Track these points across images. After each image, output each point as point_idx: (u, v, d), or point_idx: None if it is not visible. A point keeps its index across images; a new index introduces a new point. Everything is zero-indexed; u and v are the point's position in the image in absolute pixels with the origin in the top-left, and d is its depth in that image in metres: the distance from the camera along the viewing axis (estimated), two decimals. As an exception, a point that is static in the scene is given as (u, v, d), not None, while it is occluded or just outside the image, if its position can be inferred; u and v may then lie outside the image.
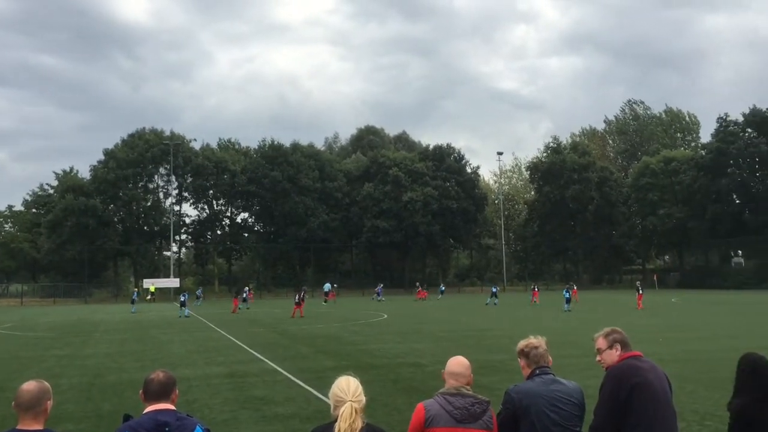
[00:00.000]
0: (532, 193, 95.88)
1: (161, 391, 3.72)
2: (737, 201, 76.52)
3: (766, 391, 4.41)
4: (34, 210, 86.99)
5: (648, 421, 4.11)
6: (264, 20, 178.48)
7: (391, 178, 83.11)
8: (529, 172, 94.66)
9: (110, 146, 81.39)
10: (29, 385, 3.58)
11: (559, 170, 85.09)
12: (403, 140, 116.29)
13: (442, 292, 63.07)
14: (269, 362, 16.66)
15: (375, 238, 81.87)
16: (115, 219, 79.65)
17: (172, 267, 79.69)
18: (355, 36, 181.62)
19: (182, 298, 41.97)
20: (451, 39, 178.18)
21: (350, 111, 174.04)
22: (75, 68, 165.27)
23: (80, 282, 74.07)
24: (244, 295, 48.74)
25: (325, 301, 52.94)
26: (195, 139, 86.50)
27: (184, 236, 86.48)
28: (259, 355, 18.17)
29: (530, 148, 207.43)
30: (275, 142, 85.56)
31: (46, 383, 3.64)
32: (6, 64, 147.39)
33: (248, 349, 20.02)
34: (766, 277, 69.14)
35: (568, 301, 38.74)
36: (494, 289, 47.92)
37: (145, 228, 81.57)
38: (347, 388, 3.50)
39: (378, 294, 58.57)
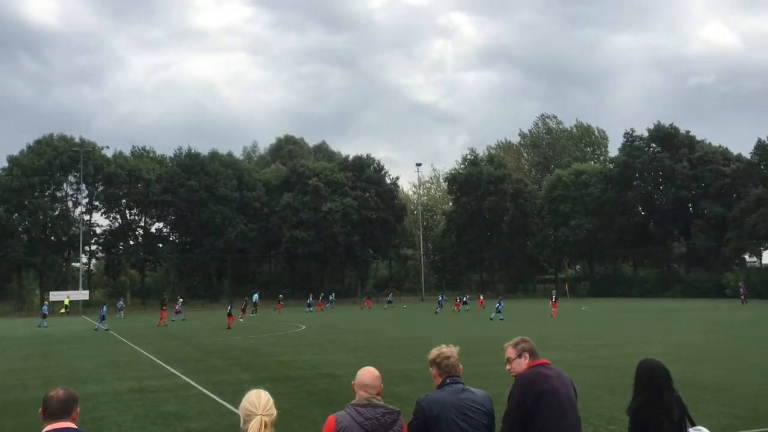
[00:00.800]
0: (450, 204, 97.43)
1: (61, 409, 3.59)
2: (642, 213, 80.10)
3: (662, 395, 4.66)
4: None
5: (553, 427, 4.27)
6: (180, 26, 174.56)
7: (311, 188, 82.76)
8: (447, 184, 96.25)
9: (15, 153, 77.68)
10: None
11: (476, 182, 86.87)
12: (323, 150, 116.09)
13: (389, 302, 65.61)
14: (182, 376, 16.28)
15: (294, 248, 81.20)
16: (20, 229, 75.82)
17: (81, 279, 76.52)
18: (275, 45, 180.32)
19: (103, 312, 40.79)
20: (371, 51, 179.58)
21: (270, 120, 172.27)
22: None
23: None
24: (178, 306, 48.35)
25: (254, 312, 52.57)
26: (107, 147, 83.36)
27: (94, 247, 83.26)
28: (172, 370, 17.73)
29: (448, 159, 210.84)
30: (192, 151, 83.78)
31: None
32: None
33: (161, 363, 19.50)
34: (668, 285, 72.66)
35: (499, 311, 39.68)
36: (499, 305, 42.07)
37: (53, 238, 78.00)
38: (257, 402, 3.48)
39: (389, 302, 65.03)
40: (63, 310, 64.94)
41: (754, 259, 76.35)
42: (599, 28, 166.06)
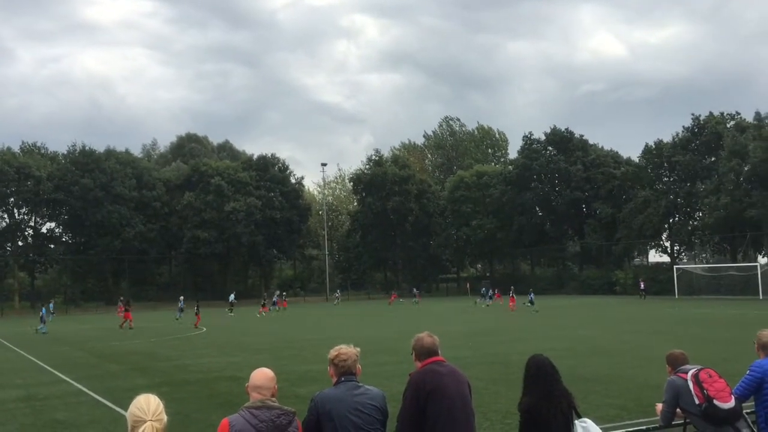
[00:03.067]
0: (355, 204, 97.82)
1: None
2: (540, 213, 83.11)
3: (550, 390, 4.87)
4: None
5: (442, 423, 4.40)
6: (71, 18, 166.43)
7: (213, 188, 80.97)
8: (352, 184, 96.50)
9: None
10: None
11: (380, 182, 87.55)
12: (227, 149, 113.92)
13: (337, 299, 70.27)
14: (74, 383, 15.59)
15: (195, 249, 79.23)
16: None
17: (-37, 282, 71.78)
18: (176, 41, 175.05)
19: (42, 313, 39.27)
20: (274, 50, 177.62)
21: (170, 118, 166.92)
22: None
23: None
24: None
25: (230, 310, 53.53)
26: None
27: (-22, 248, 78.33)
28: (62, 376, 16.93)
29: (352, 160, 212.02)
30: (87, 148, 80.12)
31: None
32: None
33: (50, 369, 18.59)
34: (563, 282, 75.76)
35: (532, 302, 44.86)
36: (531, 295, 47.26)
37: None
38: (147, 407, 3.39)
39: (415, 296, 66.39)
40: None
41: (640, 258, 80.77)
42: (497, 34, 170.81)
